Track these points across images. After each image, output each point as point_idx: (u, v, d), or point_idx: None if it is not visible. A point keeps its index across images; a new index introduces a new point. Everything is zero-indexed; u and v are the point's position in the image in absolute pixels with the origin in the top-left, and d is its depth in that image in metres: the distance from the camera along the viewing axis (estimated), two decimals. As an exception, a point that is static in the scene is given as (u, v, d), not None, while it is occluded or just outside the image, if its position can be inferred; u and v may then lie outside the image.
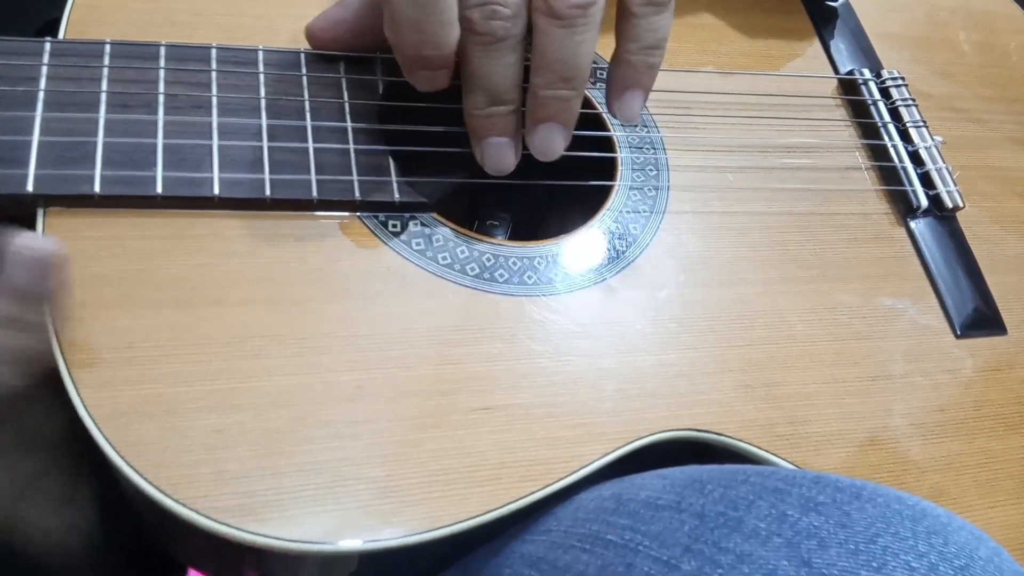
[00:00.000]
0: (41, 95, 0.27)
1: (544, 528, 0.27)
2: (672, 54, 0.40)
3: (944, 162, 0.40)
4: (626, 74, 0.29)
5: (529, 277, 0.31)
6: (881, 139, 0.40)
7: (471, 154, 0.30)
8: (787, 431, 0.31)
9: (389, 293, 0.28)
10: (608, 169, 0.35)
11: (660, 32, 0.28)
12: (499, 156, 0.29)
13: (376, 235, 0.29)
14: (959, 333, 0.36)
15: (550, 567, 0.25)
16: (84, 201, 0.26)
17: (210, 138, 0.28)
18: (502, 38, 0.26)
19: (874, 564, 0.19)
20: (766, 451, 0.30)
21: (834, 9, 0.45)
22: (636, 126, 0.37)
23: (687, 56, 0.40)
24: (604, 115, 0.36)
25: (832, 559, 0.20)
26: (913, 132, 0.40)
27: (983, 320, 0.37)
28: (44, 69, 0.28)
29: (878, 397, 0.33)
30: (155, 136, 0.28)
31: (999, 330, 0.37)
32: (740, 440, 0.30)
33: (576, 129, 0.29)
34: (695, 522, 0.23)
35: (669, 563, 0.22)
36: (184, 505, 0.23)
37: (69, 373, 0.24)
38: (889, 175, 0.39)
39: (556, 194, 0.34)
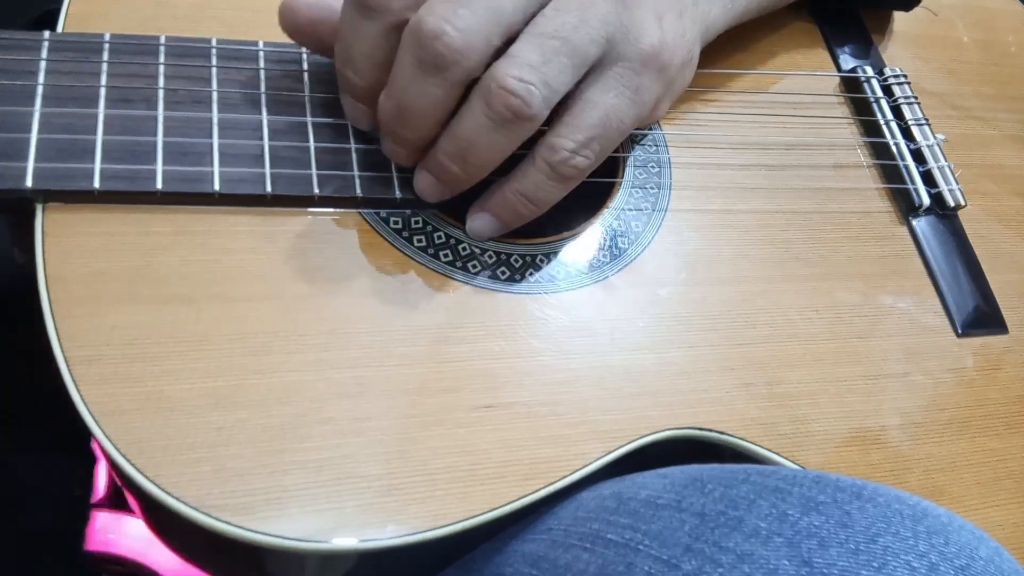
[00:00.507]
0: (40, 90, 0.27)
1: (545, 527, 0.27)
2: (675, 50, 0.40)
3: (946, 160, 0.40)
4: (495, 199, 0.29)
5: (531, 275, 0.31)
6: (883, 137, 0.40)
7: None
8: (788, 430, 0.31)
9: (391, 290, 0.28)
10: (610, 167, 0.35)
11: (542, 193, 0.28)
12: (391, 153, 0.29)
13: (377, 232, 0.30)
14: (960, 332, 0.36)
15: (551, 566, 0.25)
16: (84, 197, 0.26)
17: (210, 134, 0.28)
18: (436, 65, 0.25)
19: (875, 564, 0.20)
20: (768, 450, 0.30)
21: (841, 8, 0.45)
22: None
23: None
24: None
25: (833, 559, 0.20)
26: (915, 130, 0.40)
27: (984, 319, 0.37)
28: (43, 63, 0.28)
29: (879, 396, 0.33)
30: (155, 132, 0.28)
31: (1000, 329, 0.37)
32: (742, 439, 0.30)
33: None
34: (695, 521, 0.23)
35: (669, 562, 0.22)
36: (185, 503, 0.23)
37: (70, 370, 0.24)
38: (891, 173, 0.39)
39: None
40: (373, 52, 0.26)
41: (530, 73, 0.25)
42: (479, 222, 0.30)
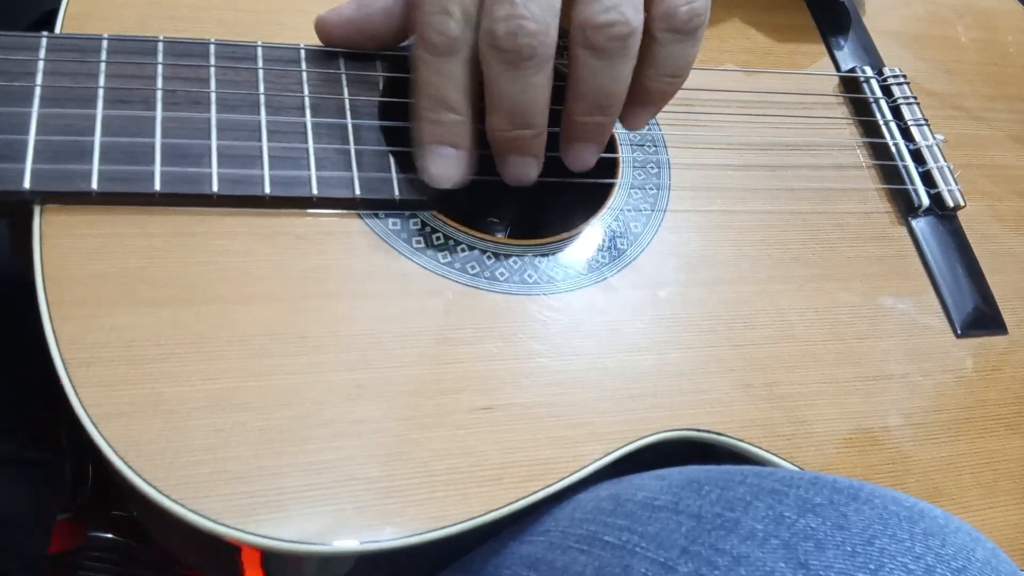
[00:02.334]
0: (38, 91, 0.27)
1: (543, 528, 0.27)
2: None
3: (945, 160, 0.40)
4: (639, 94, 0.29)
5: (530, 276, 0.31)
6: (882, 137, 0.40)
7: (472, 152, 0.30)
8: (788, 431, 0.31)
9: (390, 292, 0.29)
10: (609, 167, 0.35)
11: (680, 60, 0.28)
12: (521, 172, 0.30)
13: (376, 233, 0.30)
14: (959, 332, 0.36)
15: (548, 568, 0.25)
16: (82, 198, 0.27)
17: (209, 135, 0.28)
18: (527, 57, 0.26)
19: (871, 566, 0.20)
20: (767, 451, 0.30)
21: (842, 6, 0.45)
22: None
23: (689, 52, 0.41)
24: None
25: (829, 561, 0.20)
26: (914, 130, 0.41)
27: (983, 319, 0.37)
28: (41, 64, 0.28)
29: (879, 397, 0.33)
30: (153, 133, 0.28)
31: (999, 329, 0.37)
32: (741, 440, 0.30)
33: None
34: (692, 523, 0.23)
35: (666, 564, 0.22)
36: (183, 506, 0.24)
37: (67, 372, 0.25)
38: (890, 174, 0.40)
39: (556, 192, 0.35)
40: (465, 83, 0.27)
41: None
42: (634, 116, 0.30)
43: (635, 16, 0.26)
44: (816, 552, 0.20)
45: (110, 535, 0.30)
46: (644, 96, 0.29)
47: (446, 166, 0.29)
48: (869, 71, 0.43)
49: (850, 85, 0.42)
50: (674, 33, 0.27)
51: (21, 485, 0.34)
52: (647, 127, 0.37)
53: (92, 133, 0.27)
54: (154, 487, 0.24)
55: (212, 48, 0.30)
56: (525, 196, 0.38)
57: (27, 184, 0.26)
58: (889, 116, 0.41)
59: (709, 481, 0.25)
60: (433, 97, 0.27)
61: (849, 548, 0.20)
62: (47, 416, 0.35)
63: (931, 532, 0.21)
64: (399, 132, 0.31)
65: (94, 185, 0.26)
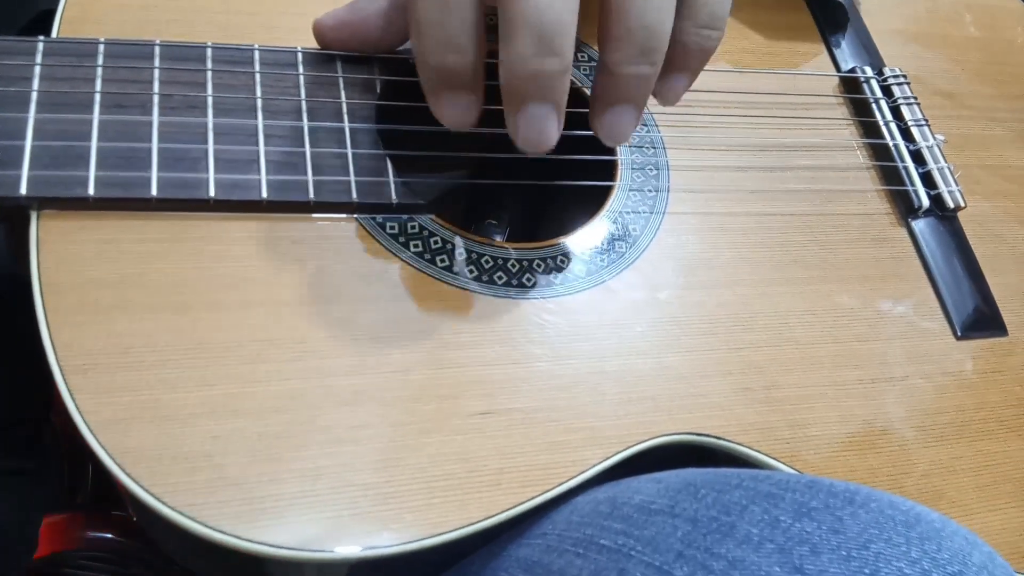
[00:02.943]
0: (34, 96, 0.27)
1: (539, 532, 0.27)
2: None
3: (945, 161, 0.40)
4: (677, 53, 0.26)
5: (528, 279, 0.31)
6: (882, 138, 0.41)
7: (469, 155, 0.31)
8: (787, 434, 0.31)
9: (387, 296, 0.29)
10: (608, 169, 0.36)
11: (717, 9, 0.25)
12: (539, 129, 0.25)
13: (373, 237, 0.30)
14: (959, 334, 0.36)
15: (544, 571, 0.25)
16: (79, 204, 0.27)
17: (206, 140, 0.29)
18: None
19: (866, 571, 0.20)
20: (766, 455, 0.31)
21: (841, 6, 0.45)
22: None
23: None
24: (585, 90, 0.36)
25: (824, 565, 0.20)
26: (915, 131, 0.41)
27: (984, 321, 0.37)
28: (37, 69, 0.28)
29: (878, 400, 0.33)
30: (150, 137, 0.28)
31: (1000, 331, 0.37)
32: (740, 444, 0.30)
33: (574, 129, 0.29)
34: (688, 527, 0.23)
35: (661, 569, 0.22)
36: (180, 512, 0.24)
37: (64, 378, 0.25)
38: (890, 174, 0.40)
39: (554, 195, 0.35)
40: (474, 18, 0.23)
41: None
42: (671, 86, 0.27)
43: None
44: (811, 556, 0.21)
45: (109, 535, 0.31)
46: (683, 54, 0.26)
47: (461, 115, 0.26)
48: (869, 71, 0.43)
49: (850, 85, 0.43)
50: None
51: (11, 492, 0.34)
52: (646, 128, 0.37)
53: (89, 138, 0.27)
54: (151, 494, 0.24)
55: (209, 52, 0.30)
56: (523, 199, 0.38)
57: (24, 190, 0.26)
58: (889, 116, 0.41)
59: (705, 485, 0.25)
60: (436, 38, 0.24)
61: (844, 552, 0.21)
62: (39, 419, 0.35)
63: (927, 536, 0.21)
64: (396, 136, 0.31)
65: (91, 191, 0.27)
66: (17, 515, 0.35)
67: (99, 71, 0.29)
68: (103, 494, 0.36)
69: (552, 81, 0.24)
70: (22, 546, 0.35)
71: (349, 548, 0.24)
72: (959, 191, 0.40)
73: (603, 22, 0.24)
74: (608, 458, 0.28)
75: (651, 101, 0.38)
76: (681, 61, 0.26)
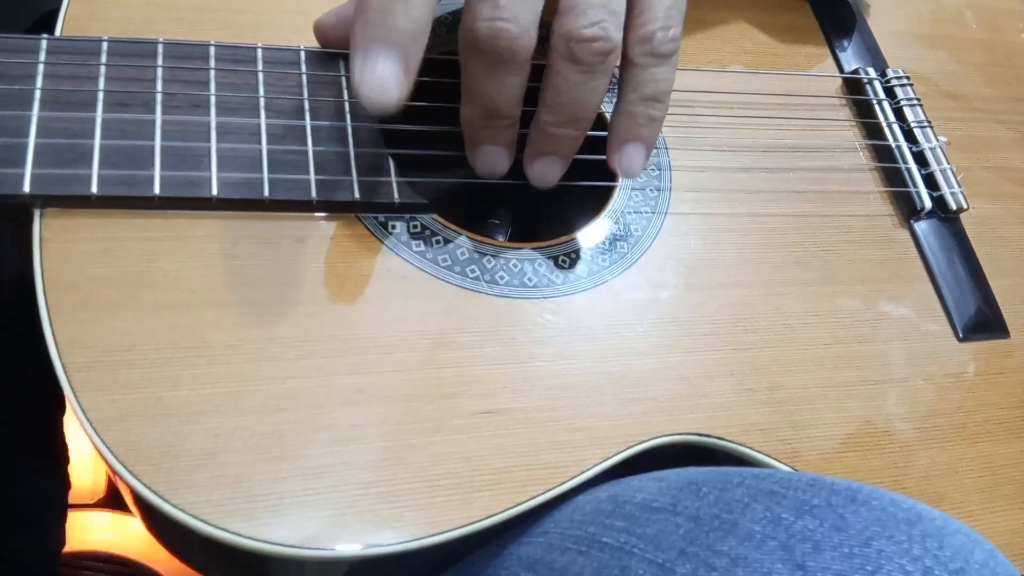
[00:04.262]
0: (38, 94, 0.28)
1: (541, 530, 0.28)
2: (675, 52, 0.41)
3: (948, 163, 0.41)
4: (625, 125, 0.30)
5: (530, 279, 0.31)
6: (885, 139, 0.41)
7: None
8: (788, 435, 0.32)
9: (389, 295, 0.29)
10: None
11: (661, 84, 0.29)
12: (492, 162, 0.31)
13: (376, 236, 0.30)
14: (961, 336, 0.37)
15: (547, 569, 0.26)
16: (82, 202, 0.27)
17: (208, 138, 0.29)
18: (506, 60, 0.26)
19: (868, 568, 0.20)
20: (767, 455, 0.31)
21: (844, 6, 0.46)
22: None
23: (691, 54, 0.41)
24: (606, 114, 0.37)
25: (826, 563, 0.21)
26: (918, 132, 0.41)
27: (985, 323, 0.38)
28: (41, 67, 0.28)
29: (880, 401, 0.34)
30: (153, 136, 0.28)
31: (1002, 333, 0.38)
32: (741, 445, 0.31)
33: None
34: (690, 525, 0.24)
35: (664, 566, 0.23)
36: (182, 510, 0.24)
37: (67, 376, 0.25)
38: (893, 176, 0.40)
39: (556, 194, 0.35)
40: (521, 91, 0.28)
41: (595, 13, 0.26)
42: (628, 157, 0.30)
43: (616, 35, 0.27)
44: (814, 553, 0.21)
45: (110, 535, 0.31)
46: (632, 124, 0.29)
47: (495, 162, 0.31)
48: (872, 72, 0.43)
49: (853, 86, 0.43)
50: (652, 57, 0.28)
51: (33, 488, 0.35)
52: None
53: (92, 136, 0.28)
54: (153, 491, 0.24)
55: (212, 51, 0.31)
56: (525, 198, 0.38)
57: (27, 188, 0.26)
58: (892, 118, 0.42)
59: (707, 483, 0.25)
60: (487, 107, 0.28)
61: (847, 549, 0.21)
62: (55, 417, 0.36)
63: (929, 534, 0.21)
64: (398, 135, 0.32)
65: (94, 189, 0.27)
66: (40, 514, 0.36)
67: (102, 69, 0.29)
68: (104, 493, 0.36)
69: (499, 134, 0.30)
70: (53, 543, 0.36)
71: (350, 546, 0.25)
72: (962, 193, 0.40)
73: (542, 88, 0.29)
74: (609, 458, 0.29)
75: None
76: (632, 129, 0.30)
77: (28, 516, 0.35)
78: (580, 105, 0.28)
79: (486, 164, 0.31)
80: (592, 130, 0.30)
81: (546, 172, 0.31)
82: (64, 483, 0.37)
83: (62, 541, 0.36)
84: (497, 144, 0.30)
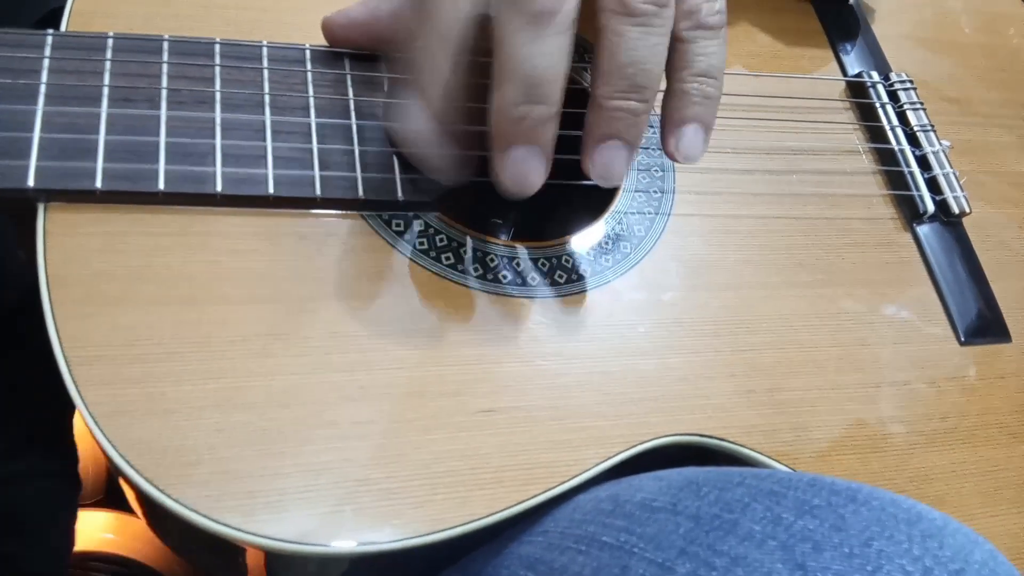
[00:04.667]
0: (43, 88, 0.28)
1: (541, 529, 0.28)
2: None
3: (951, 167, 0.41)
4: (680, 105, 0.27)
5: (532, 278, 0.32)
6: (888, 143, 0.41)
7: (477, 153, 0.31)
8: (789, 437, 0.32)
9: (392, 293, 0.29)
10: None
11: (713, 58, 0.27)
12: (524, 170, 0.26)
13: (379, 234, 0.30)
14: (963, 340, 0.37)
15: (546, 568, 0.26)
16: (86, 197, 0.27)
17: (213, 134, 0.29)
18: (551, 10, 0.23)
19: (868, 568, 0.20)
20: (768, 457, 0.31)
21: (849, 8, 0.46)
22: None
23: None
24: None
25: (826, 562, 0.21)
26: (921, 136, 0.41)
27: (987, 327, 0.38)
28: (46, 62, 0.28)
29: (881, 404, 0.34)
30: (158, 132, 0.28)
31: (1003, 337, 0.38)
32: (742, 446, 0.31)
33: (579, 130, 0.29)
34: (690, 524, 0.24)
35: (664, 565, 0.23)
36: (184, 505, 0.24)
37: (70, 370, 0.25)
38: (896, 179, 0.40)
39: (560, 194, 0.35)
40: (565, 63, 0.25)
41: None
42: (687, 138, 0.27)
43: None
44: (814, 553, 0.21)
45: (111, 535, 0.31)
46: (687, 103, 0.27)
47: (527, 171, 0.26)
48: (876, 76, 0.43)
49: (856, 90, 0.43)
50: (700, 29, 0.26)
51: (40, 492, 0.35)
52: (652, 130, 0.38)
53: (97, 131, 0.28)
54: (155, 486, 0.24)
55: (217, 47, 0.31)
56: (528, 198, 0.39)
57: (31, 182, 0.26)
58: (895, 121, 0.42)
59: (707, 482, 0.25)
60: (527, 80, 0.24)
61: (847, 549, 0.21)
62: (61, 419, 0.36)
63: (929, 534, 0.22)
64: None
65: (98, 183, 0.27)
66: (50, 514, 0.36)
67: (108, 65, 0.29)
68: (103, 494, 0.37)
69: (538, 126, 0.25)
70: (62, 543, 0.36)
71: (351, 543, 0.25)
72: (964, 197, 0.40)
73: (594, 58, 0.25)
74: (610, 458, 0.29)
75: (658, 100, 0.39)
76: (687, 109, 0.27)
77: (35, 516, 0.35)
78: (641, 67, 0.25)
79: (517, 173, 0.26)
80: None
81: (611, 162, 0.26)
82: (73, 483, 0.38)
83: (71, 541, 0.36)
84: (532, 143, 0.25)
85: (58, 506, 0.37)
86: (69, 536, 0.37)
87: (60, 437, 0.36)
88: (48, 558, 0.35)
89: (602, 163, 0.26)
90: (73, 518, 0.37)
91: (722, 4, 0.27)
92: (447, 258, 0.31)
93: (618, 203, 0.35)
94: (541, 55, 0.24)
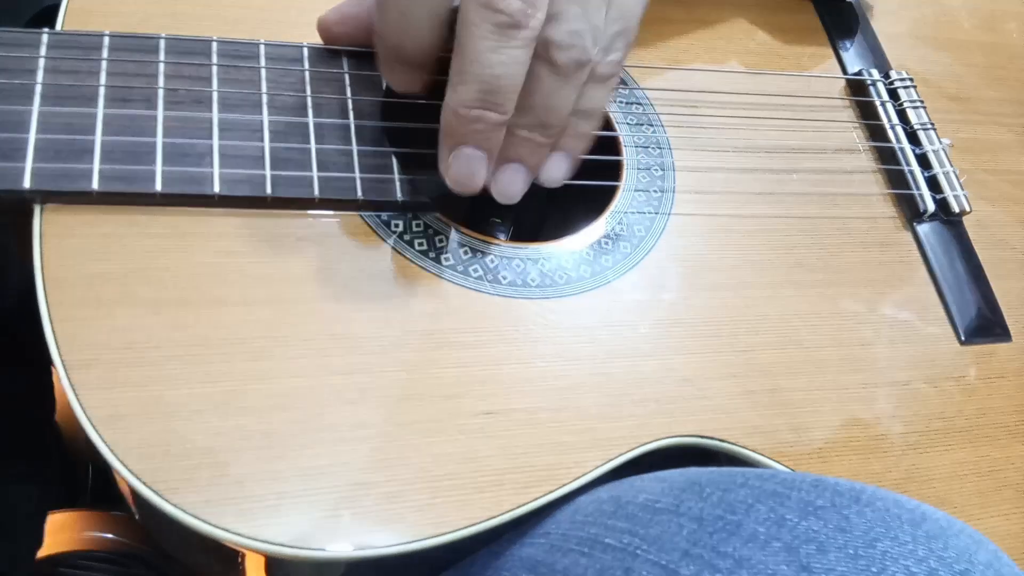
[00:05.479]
0: (39, 88, 0.28)
1: (543, 531, 0.28)
2: (680, 51, 0.41)
3: (951, 165, 0.41)
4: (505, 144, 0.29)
5: (532, 279, 0.32)
6: (888, 141, 0.41)
7: None
8: (790, 438, 0.32)
9: (391, 294, 0.29)
10: (613, 169, 0.36)
11: (592, 102, 0.29)
12: (469, 170, 0.28)
13: (378, 235, 0.30)
14: (963, 339, 0.37)
15: (548, 571, 0.26)
16: (83, 198, 0.27)
17: (210, 135, 0.29)
18: (519, 24, 0.25)
19: (873, 569, 0.21)
20: (769, 458, 0.31)
21: (849, 6, 0.46)
22: (642, 125, 0.38)
23: (695, 54, 0.42)
24: (610, 114, 0.37)
25: (831, 563, 0.21)
26: (921, 135, 0.42)
27: (988, 326, 0.38)
28: (42, 62, 0.28)
29: (881, 404, 0.34)
30: (155, 132, 0.28)
31: (1004, 336, 0.38)
32: (743, 447, 0.31)
33: None
34: (693, 526, 0.24)
35: (667, 567, 0.23)
36: (182, 510, 0.24)
37: (67, 374, 0.25)
38: (896, 178, 0.41)
39: (559, 194, 0.35)
40: (522, 77, 0.27)
41: (577, 23, 0.26)
42: (555, 167, 0.30)
43: (592, 49, 0.27)
44: (818, 555, 0.21)
45: (109, 535, 0.31)
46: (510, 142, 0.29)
47: (472, 171, 0.28)
48: (876, 74, 0.44)
49: (856, 88, 0.43)
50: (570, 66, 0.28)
51: (16, 495, 0.35)
52: (652, 129, 0.38)
53: (93, 132, 0.28)
54: (153, 490, 0.24)
55: (214, 46, 0.31)
56: (528, 197, 0.39)
57: (27, 183, 0.26)
58: (895, 120, 0.42)
59: (710, 483, 0.25)
60: (485, 84, 0.26)
61: (851, 550, 0.21)
62: (41, 422, 0.36)
63: (933, 535, 0.22)
64: (402, 133, 0.32)
65: (95, 184, 0.27)
66: (24, 518, 0.35)
67: (104, 64, 0.29)
68: (102, 494, 0.36)
69: (489, 132, 0.27)
70: (31, 546, 0.36)
71: (350, 547, 0.25)
72: (965, 195, 0.40)
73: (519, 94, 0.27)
74: (611, 460, 0.29)
75: (658, 99, 0.39)
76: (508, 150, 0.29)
77: (20, 520, 0.35)
78: (550, 110, 0.28)
79: (462, 170, 0.28)
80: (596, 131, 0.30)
81: (511, 182, 0.29)
82: (48, 485, 0.37)
83: (38, 544, 0.36)
84: (480, 147, 0.28)
85: (34, 508, 0.36)
86: (38, 538, 0.36)
87: (47, 441, 0.36)
88: (18, 560, 0.35)
89: (504, 181, 0.30)
90: (44, 520, 0.37)
91: (618, 54, 0.29)
92: (446, 259, 0.31)
93: (618, 202, 0.35)
94: (502, 64, 0.26)
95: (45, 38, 0.29)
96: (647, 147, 0.37)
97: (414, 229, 0.31)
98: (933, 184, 0.40)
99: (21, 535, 0.35)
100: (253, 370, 0.27)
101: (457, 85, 0.26)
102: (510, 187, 0.30)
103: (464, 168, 0.28)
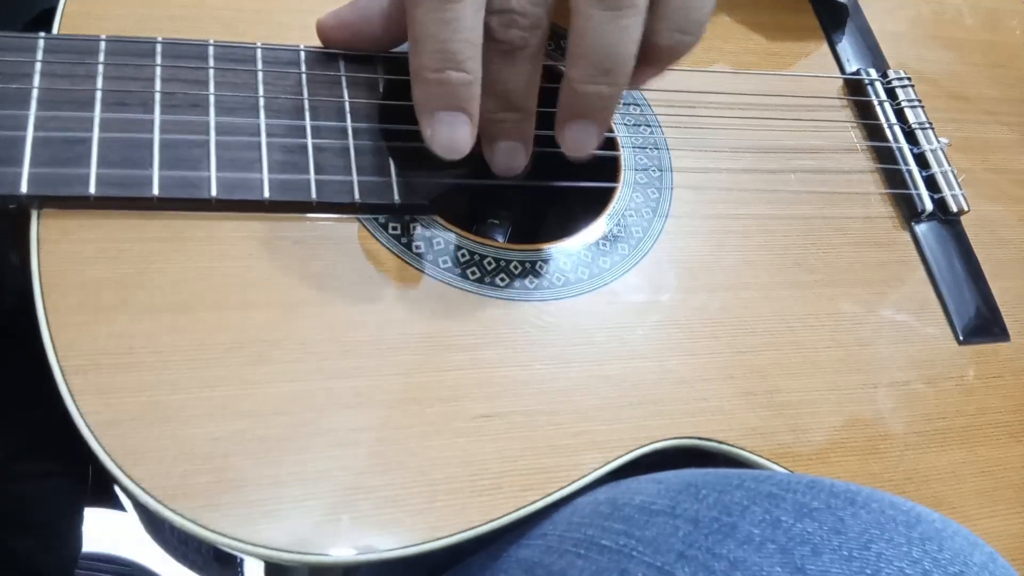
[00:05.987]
0: (35, 93, 0.28)
1: (540, 532, 0.28)
2: (676, 52, 0.41)
3: (949, 165, 0.41)
4: (646, 51, 0.27)
5: (530, 281, 0.32)
6: (886, 141, 0.42)
7: (473, 154, 0.31)
8: (788, 439, 0.32)
9: (389, 297, 0.30)
10: (611, 170, 0.36)
11: (694, 14, 0.27)
12: (508, 159, 0.30)
13: (376, 238, 0.31)
14: (962, 339, 0.37)
15: (544, 572, 0.26)
16: (80, 202, 0.27)
17: (207, 138, 0.29)
18: (519, 47, 0.26)
19: (868, 571, 0.21)
20: (767, 459, 0.31)
21: (844, 7, 0.46)
22: (639, 126, 0.38)
23: (693, 54, 0.42)
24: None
25: (826, 565, 0.21)
26: (919, 134, 0.42)
27: (986, 326, 0.38)
28: (38, 66, 0.28)
29: (880, 404, 0.34)
30: (152, 136, 0.29)
31: (1002, 336, 0.38)
32: (741, 448, 0.31)
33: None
34: (689, 528, 0.24)
35: (663, 569, 0.23)
36: (181, 515, 0.24)
37: (65, 379, 0.25)
38: (894, 178, 0.41)
39: (557, 195, 0.36)
40: (475, 35, 0.26)
41: None
42: (577, 133, 0.29)
43: None
44: (813, 557, 0.21)
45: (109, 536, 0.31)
46: (652, 54, 0.28)
47: (454, 133, 0.27)
48: (873, 73, 0.44)
49: (854, 87, 0.43)
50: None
51: (48, 492, 0.35)
52: (649, 129, 0.38)
53: (90, 136, 0.28)
54: (152, 496, 0.24)
55: (211, 50, 0.31)
56: (525, 198, 0.39)
57: (24, 188, 0.27)
58: (893, 119, 0.42)
59: (706, 485, 0.26)
60: (438, 52, 0.26)
61: (846, 552, 0.21)
62: (61, 422, 0.36)
63: (928, 536, 0.22)
64: (399, 135, 0.32)
65: (92, 189, 0.27)
66: (58, 514, 0.36)
67: (100, 68, 0.29)
68: (101, 494, 0.37)
69: (514, 127, 0.29)
70: (71, 543, 0.36)
71: (348, 552, 0.25)
72: (963, 195, 0.41)
73: (568, 39, 0.27)
74: (609, 462, 0.29)
75: (655, 99, 0.39)
76: (651, 58, 0.28)
77: (44, 516, 0.35)
78: (610, 52, 0.26)
79: (504, 161, 0.30)
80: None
81: (580, 139, 0.28)
82: (79, 483, 0.38)
83: (79, 541, 0.36)
84: (511, 138, 0.29)
85: (66, 505, 0.37)
86: (77, 536, 0.37)
87: (66, 437, 0.36)
88: (56, 557, 0.36)
89: (573, 139, 0.29)
90: (79, 519, 0.37)
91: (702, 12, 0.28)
92: (444, 261, 0.31)
93: (616, 203, 0.35)
94: (511, 80, 0.27)
95: (41, 42, 0.29)
96: (645, 148, 0.37)
97: (412, 232, 0.31)
98: (931, 184, 0.41)
99: (50, 532, 0.36)
100: (251, 374, 0.27)
101: (482, 96, 0.27)
102: (578, 145, 0.29)
103: (504, 159, 0.30)
